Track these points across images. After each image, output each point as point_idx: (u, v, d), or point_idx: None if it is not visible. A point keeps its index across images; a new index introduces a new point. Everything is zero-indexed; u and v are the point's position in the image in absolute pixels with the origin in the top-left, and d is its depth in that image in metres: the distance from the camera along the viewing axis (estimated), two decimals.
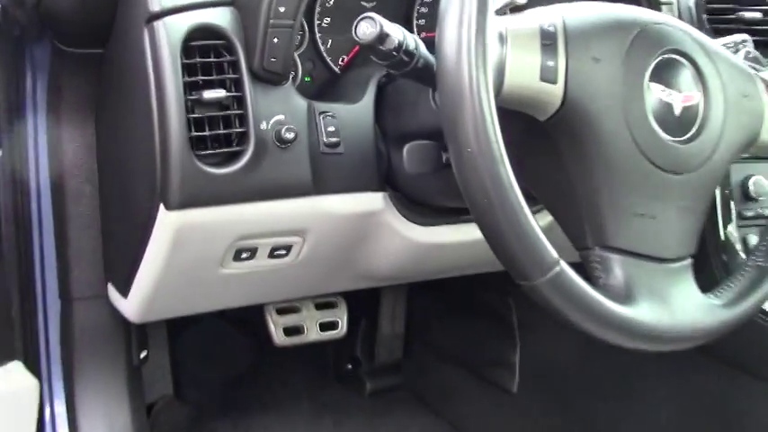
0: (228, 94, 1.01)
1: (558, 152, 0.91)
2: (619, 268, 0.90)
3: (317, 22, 1.26)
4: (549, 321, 0.93)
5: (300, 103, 1.07)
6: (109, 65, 1.16)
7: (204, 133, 1.00)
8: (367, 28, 0.88)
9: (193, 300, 1.21)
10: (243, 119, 1.02)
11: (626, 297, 0.88)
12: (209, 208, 1.02)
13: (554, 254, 0.81)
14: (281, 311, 1.52)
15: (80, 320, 1.31)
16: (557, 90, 0.87)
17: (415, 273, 1.35)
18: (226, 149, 1.01)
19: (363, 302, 1.91)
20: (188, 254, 1.07)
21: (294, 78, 1.24)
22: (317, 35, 1.27)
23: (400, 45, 0.89)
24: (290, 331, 1.50)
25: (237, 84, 1.02)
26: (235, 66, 1.02)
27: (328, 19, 1.27)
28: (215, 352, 1.98)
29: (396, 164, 1.16)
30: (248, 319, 1.58)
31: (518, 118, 0.89)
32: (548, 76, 0.86)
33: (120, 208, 1.19)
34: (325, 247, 1.17)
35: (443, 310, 2.00)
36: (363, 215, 1.14)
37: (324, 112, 1.09)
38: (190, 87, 1.00)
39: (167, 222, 1.01)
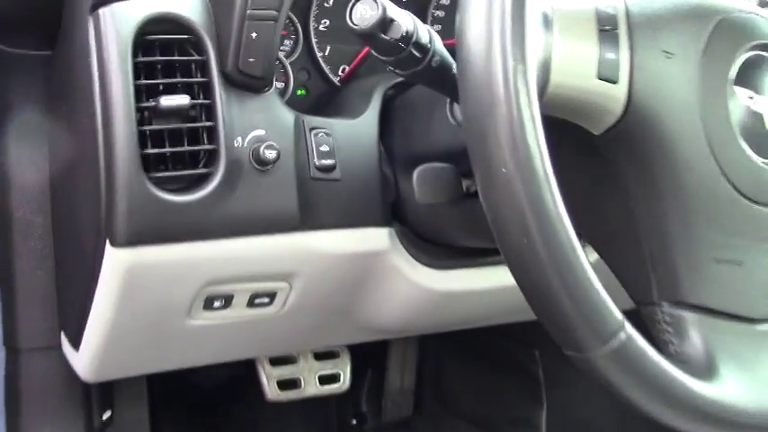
0: (194, 101, 0.80)
1: (615, 177, 0.70)
2: (695, 331, 0.69)
3: (312, 26, 1.06)
4: (581, 378, 0.73)
5: (286, 115, 0.86)
6: (57, 68, 0.96)
7: (162, 150, 0.79)
8: (366, 11, 0.68)
9: (157, 356, 1.00)
10: (212, 133, 0.81)
11: (707, 370, 0.67)
12: (168, 245, 0.81)
13: (618, 316, 0.60)
14: (274, 362, 1.37)
15: (28, 375, 1.12)
16: (618, 92, 0.66)
17: (427, 325, 1.13)
18: (189, 171, 0.81)
19: (369, 351, 1.68)
20: (145, 301, 0.86)
21: (284, 91, 1.05)
22: (314, 40, 1.07)
23: (409, 35, 0.69)
24: (286, 385, 1.36)
25: (206, 89, 0.82)
26: (203, 67, 0.82)
27: (326, 21, 1.08)
28: (205, 405, 1.79)
29: (405, 193, 0.95)
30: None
31: (563, 132, 0.68)
32: (607, 72, 0.65)
33: (70, 243, 0.98)
34: (318, 295, 0.96)
35: (459, 362, 1.82)
36: (364, 256, 0.93)
37: (316, 128, 0.89)
38: (147, 93, 0.80)
39: (115, 262, 0.81)
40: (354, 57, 1.10)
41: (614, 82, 0.66)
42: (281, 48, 1.06)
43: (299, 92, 1.07)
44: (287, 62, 1.05)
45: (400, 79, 1.00)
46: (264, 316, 0.96)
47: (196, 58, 0.82)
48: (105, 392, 1.20)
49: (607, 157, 0.70)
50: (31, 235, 1.06)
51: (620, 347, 0.60)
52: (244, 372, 1.44)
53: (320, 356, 1.40)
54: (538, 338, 1.54)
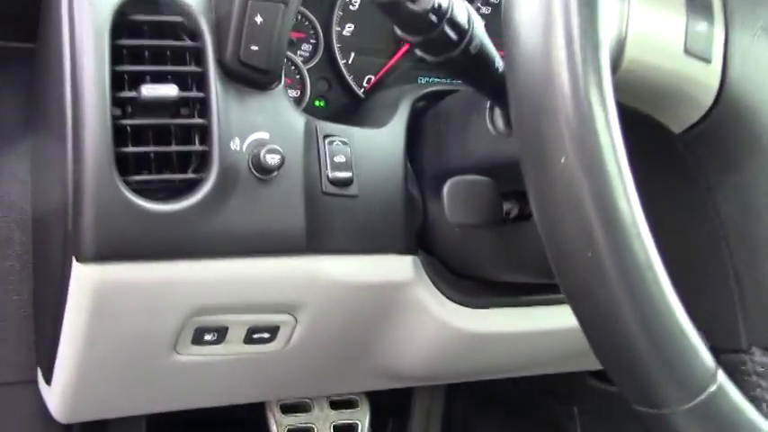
0: (184, 93, 0.67)
1: (697, 188, 0.55)
2: None
3: (335, 30, 0.94)
4: None
5: (295, 118, 0.73)
6: (37, 62, 0.84)
7: (142, 149, 0.66)
8: None
9: (141, 396, 0.86)
10: (205, 133, 0.68)
11: None
12: (146, 263, 0.68)
13: (710, 362, 0.46)
14: (286, 409, 1.27)
15: (2, 411, 0.98)
16: (709, 75, 0.52)
17: (456, 372, 0.98)
18: (174, 176, 0.67)
19: (390, 401, 1.58)
20: (120, 330, 0.73)
21: (300, 100, 0.92)
22: (336, 46, 0.94)
23: (442, 9, 0.56)
24: None
25: (200, 80, 0.69)
26: (198, 55, 0.70)
27: (351, 26, 0.95)
28: None
29: (434, 217, 0.82)
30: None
31: (630, 129, 0.54)
32: (698, 47, 0.51)
33: (43, 262, 0.86)
34: (328, 333, 0.82)
35: (489, 415, 1.66)
36: (383, 288, 0.79)
37: (331, 136, 0.76)
38: (131, 83, 0.67)
39: (82, 280, 0.68)
40: (382, 66, 0.97)
41: (706, 60, 0.52)
42: (299, 53, 0.93)
43: (316, 103, 0.94)
44: (304, 68, 0.93)
45: (432, 89, 0.87)
46: (266, 354, 0.82)
47: (189, 43, 0.70)
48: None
49: (688, 163, 0.55)
50: (8, 254, 0.94)
51: (710, 400, 0.45)
52: (252, 417, 1.30)
53: (336, 405, 1.29)
54: (576, 393, 1.41)
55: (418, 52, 0.60)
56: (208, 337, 0.78)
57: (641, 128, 0.55)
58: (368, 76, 0.96)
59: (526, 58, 0.44)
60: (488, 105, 0.74)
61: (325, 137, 0.76)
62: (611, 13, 0.50)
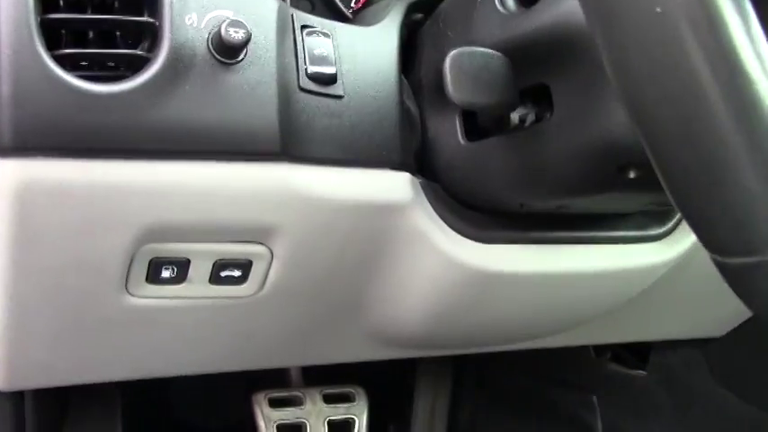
0: None
1: None
2: None
3: None
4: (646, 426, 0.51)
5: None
6: None
7: (72, 16, 0.53)
8: None
9: (90, 353, 0.72)
10: (154, 4, 0.56)
11: None
12: (81, 160, 0.55)
13: None
14: (275, 403, 1.19)
15: None
16: None
17: (464, 334, 0.84)
18: (115, 51, 0.55)
19: (390, 397, 1.49)
20: (56, 254, 0.60)
21: None
22: None
23: None
24: (288, 430, 1.17)
25: None
26: None
27: None
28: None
29: (434, 134, 0.69)
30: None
31: None
32: None
33: None
34: (310, 272, 0.69)
35: (500, 413, 1.54)
36: (375, 210, 0.66)
37: (309, 27, 0.63)
38: None
39: (1, 180, 0.54)
40: None
41: None
42: None
43: None
44: None
45: None
46: (237, 301, 0.69)
47: None
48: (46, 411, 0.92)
49: None
50: None
51: None
52: (240, 415, 1.23)
53: (330, 398, 1.20)
54: (595, 381, 1.33)
55: None
56: (166, 274, 0.65)
57: None
58: None
59: None
60: None
61: (303, 27, 0.64)
62: None
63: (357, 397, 1.22)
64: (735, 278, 0.39)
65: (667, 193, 0.40)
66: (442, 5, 0.72)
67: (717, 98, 0.34)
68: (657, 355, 1.21)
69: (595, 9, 0.38)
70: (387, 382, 1.14)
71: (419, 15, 0.75)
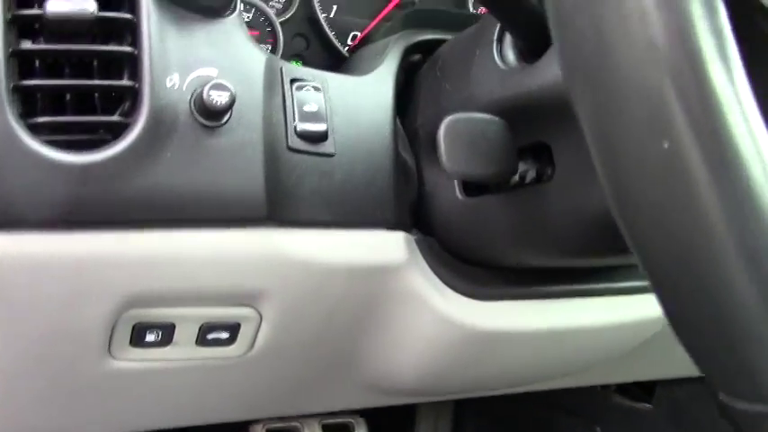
0: (106, 13, 0.52)
1: None
2: None
3: None
4: None
5: (253, 53, 0.58)
6: None
7: (47, 82, 0.51)
8: None
9: (74, 415, 0.70)
10: (134, 65, 0.53)
11: None
12: (58, 233, 0.52)
13: None
14: None
15: None
16: None
17: (462, 384, 0.82)
18: (94, 118, 0.52)
19: (391, 423, 1.43)
20: (37, 325, 0.57)
21: (273, 52, 0.76)
22: None
23: None
24: None
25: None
26: None
27: None
28: None
29: (431, 186, 0.67)
30: None
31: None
32: None
33: None
34: (301, 332, 0.66)
35: None
36: (368, 273, 0.64)
37: (300, 80, 0.60)
38: None
39: None
40: (369, 20, 0.82)
41: None
42: (271, 4, 0.78)
43: (292, 63, 0.79)
44: (276, 22, 0.78)
45: (427, 37, 0.73)
46: (226, 361, 0.66)
47: None
48: None
49: None
50: None
51: None
52: None
53: (329, 429, 1.18)
54: (600, 412, 1.31)
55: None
56: (151, 338, 0.62)
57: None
58: (353, 33, 0.82)
59: None
60: (496, 36, 0.59)
61: (293, 81, 0.61)
62: None
63: (357, 427, 1.19)
64: (746, 425, 0.36)
65: (665, 316, 0.37)
66: (441, 50, 0.69)
67: (730, 247, 0.31)
68: (664, 389, 1.18)
69: (598, 140, 0.34)
70: (387, 411, 1.11)
71: (417, 56, 0.73)
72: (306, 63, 0.80)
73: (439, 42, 0.71)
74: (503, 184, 0.62)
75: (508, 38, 0.59)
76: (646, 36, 0.31)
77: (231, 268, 0.58)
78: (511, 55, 0.58)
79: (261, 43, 0.77)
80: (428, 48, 0.72)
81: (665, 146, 0.31)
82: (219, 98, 0.53)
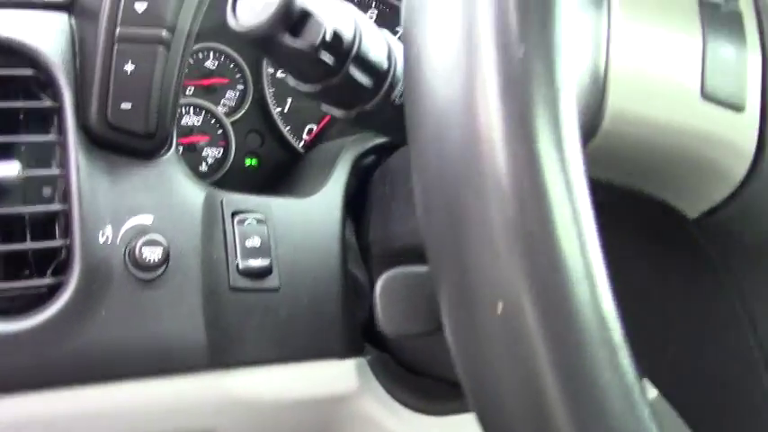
0: (31, 172, 0.50)
1: (719, 284, 0.39)
2: None
3: (267, 71, 0.77)
4: None
5: (191, 193, 0.57)
6: None
7: None
8: None
9: None
10: (66, 222, 0.51)
11: None
12: None
13: None
14: None
15: None
16: (743, 131, 0.35)
17: None
18: (22, 284, 0.50)
19: None
20: None
21: (223, 161, 0.75)
22: (268, 91, 0.78)
23: (343, 46, 0.40)
24: None
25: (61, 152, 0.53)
26: (57, 118, 0.53)
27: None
28: None
29: None
30: None
31: (623, 212, 0.38)
32: (722, 87, 0.34)
33: None
34: None
35: None
36: (320, 404, 0.62)
37: (241, 212, 0.59)
38: None
39: None
40: (325, 113, 0.80)
41: (738, 108, 0.34)
42: (223, 102, 0.77)
43: (248, 162, 0.78)
44: (227, 122, 0.76)
45: (382, 140, 0.71)
46: None
47: (46, 104, 0.53)
48: None
49: (708, 255, 0.38)
50: None
51: None
52: None
53: None
54: None
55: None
56: None
57: (639, 210, 0.38)
58: (308, 126, 0.80)
59: (434, 119, 0.28)
60: None
61: (234, 214, 0.59)
62: (581, 39, 0.33)
63: None
64: None
65: None
66: (390, 161, 0.67)
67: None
68: None
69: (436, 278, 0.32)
70: None
71: (371, 158, 0.71)
72: (261, 161, 0.79)
73: (394, 147, 0.70)
74: None
75: None
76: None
77: (177, 413, 0.57)
78: None
79: (212, 146, 0.76)
80: (382, 150, 0.71)
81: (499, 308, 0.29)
82: (152, 255, 0.52)
